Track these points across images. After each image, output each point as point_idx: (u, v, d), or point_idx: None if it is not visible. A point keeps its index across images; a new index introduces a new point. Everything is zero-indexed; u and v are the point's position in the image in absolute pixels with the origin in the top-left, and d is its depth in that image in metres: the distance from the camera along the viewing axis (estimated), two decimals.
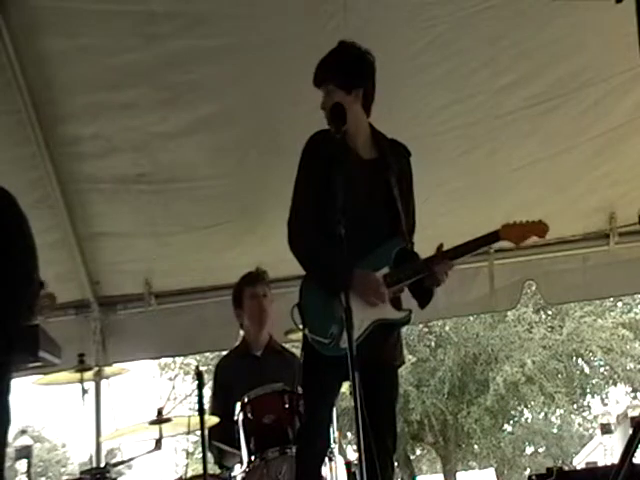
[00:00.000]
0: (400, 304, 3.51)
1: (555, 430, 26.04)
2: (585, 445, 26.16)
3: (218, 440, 4.41)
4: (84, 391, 4.58)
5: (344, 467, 4.10)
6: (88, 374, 4.53)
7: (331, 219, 3.16)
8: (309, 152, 3.55)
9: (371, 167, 3.53)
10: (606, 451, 22.26)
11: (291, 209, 3.54)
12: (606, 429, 21.89)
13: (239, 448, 4.11)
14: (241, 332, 5.04)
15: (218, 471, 4.60)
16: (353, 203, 3.32)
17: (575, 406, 23.80)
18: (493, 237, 3.51)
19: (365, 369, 2.98)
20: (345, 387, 3.55)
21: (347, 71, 3.53)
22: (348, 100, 3.50)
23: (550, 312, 22.06)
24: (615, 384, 22.49)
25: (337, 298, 3.22)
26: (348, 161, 3.41)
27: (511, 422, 24.14)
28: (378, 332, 3.37)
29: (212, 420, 4.14)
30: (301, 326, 3.46)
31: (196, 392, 3.99)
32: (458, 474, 23.13)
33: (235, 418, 4.14)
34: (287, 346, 5.07)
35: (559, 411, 23.63)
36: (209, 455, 4.31)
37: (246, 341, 4.95)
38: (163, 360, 22.60)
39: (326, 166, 3.34)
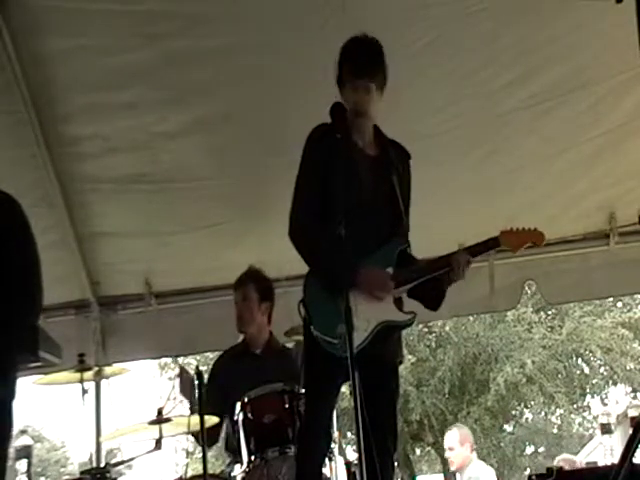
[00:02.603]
0: (402, 306, 3.51)
1: (555, 430, 26.04)
2: (585, 445, 26.14)
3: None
4: (84, 391, 4.58)
5: (344, 467, 4.10)
6: (88, 374, 4.53)
7: (334, 216, 3.16)
8: (313, 143, 3.51)
9: (375, 163, 3.52)
10: (606, 451, 22.26)
11: (293, 201, 3.50)
12: (606, 429, 21.86)
13: (233, 449, 4.12)
14: None
15: (218, 471, 4.60)
16: (357, 200, 3.33)
17: (575, 406, 23.79)
18: (493, 243, 3.53)
19: (367, 367, 2.98)
20: (345, 387, 3.55)
21: (385, 69, 3.55)
22: (378, 98, 3.51)
23: (550, 312, 22.05)
24: (615, 384, 22.48)
25: (342, 296, 3.23)
26: (352, 156, 3.42)
27: (511, 422, 24.15)
28: (382, 333, 3.37)
29: (212, 420, 4.14)
30: (306, 323, 3.44)
31: (196, 392, 3.99)
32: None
33: (235, 418, 4.14)
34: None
35: (559, 411, 23.62)
36: (209, 454, 4.30)
37: (246, 340, 4.95)
38: (163, 360, 22.63)
39: (330, 159, 3.33)
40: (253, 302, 4.84)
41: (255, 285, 4.86)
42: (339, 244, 3.07)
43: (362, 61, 3.49)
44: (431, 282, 3.48)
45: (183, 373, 4.55)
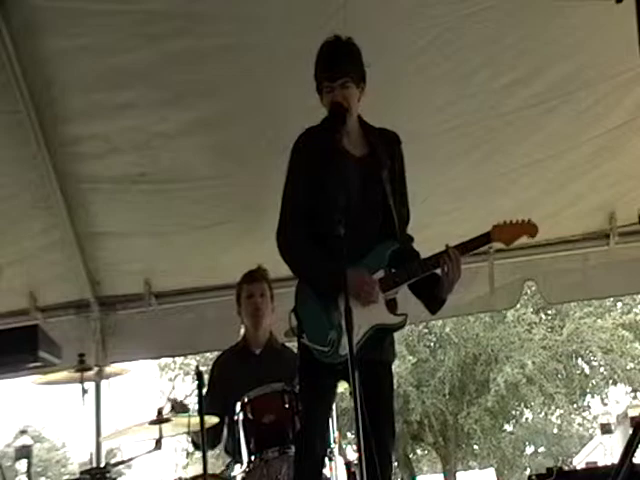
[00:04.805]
0: (396, 307, 3.50)
1: (555, 430, 26.08)
2: (585, 445, 26.18)
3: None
4: (84, 391, 4.58)
5: (344, 467, 4.10)
6: (88, 374, 4.53)
7: (326, 220, 3.17)
8: (298, 152, 3.52)
9: (363, 165, 3.51)
10: (606, 451, 22.29)
11: (280, 216, 3.51)
12: (606, 429, 21.92)
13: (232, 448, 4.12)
14: (242, 330, 5.03)
15: (218, 471, 4.60)
16: (347, 204, 3.32)
17: (575, 406, 23.83)
18: (485, 239, 3.52)
19: (361, 369, 2.98)
20: (345, 387, 3.55)
21: (360, 65, 3.53)
22: (357, 94, 3.51)
23: (550, 313, 22.09)
24: (615, 384, 22.51)
25: (334, 303, 3.24)
26: (340, 160, 3.42)
27: (511, 422, 24.17)
28: (374, 336, 3.38)
29: (212, 420, 4.14)
30: (297, 332, 3.45)
31: (196, 392, 3.99)
32: (458, 474, 23.16)
33: (235, 418, 4.14)
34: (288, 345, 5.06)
35: (559, 411, 23.66)
36: (209, 453, 4.30)
37: (246, 339, 4.95)
38: (163, 360, 22.66)
39: (317, 166, 3.35)
40: (267, 299, 4.87)
41: (267, 284, 4.90)
42: (333, 250, 3.08)
43: (332, 61, 3.49)
44: (429, 285, 3.48)
45: (174, 404, 4.54)
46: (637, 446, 2.61)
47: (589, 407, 24.63)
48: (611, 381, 22.39)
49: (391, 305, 3.46)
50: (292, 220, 3.47)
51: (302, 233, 3.43)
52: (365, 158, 3.53)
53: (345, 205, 3.20)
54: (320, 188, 3.37)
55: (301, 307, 3.44)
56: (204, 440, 3.89)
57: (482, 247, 3.60)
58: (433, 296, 3.50)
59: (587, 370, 22.69)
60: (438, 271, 3.44)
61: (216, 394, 4.63)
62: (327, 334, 3.31)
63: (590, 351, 21.21)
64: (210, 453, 4.47)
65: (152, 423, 4.09)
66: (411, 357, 19.71)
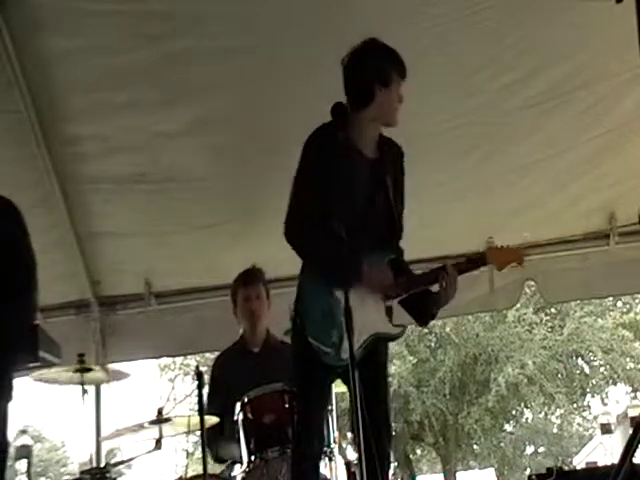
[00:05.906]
0: (392, 316, 3.51)
1: (555, 430, 26.09)
2: (585, 445, 26.22)
3: (214, 437, 4.39)
4: (84, 391, 4.58)
5: (344, 467, 4.10)
6: (88, 376, 4.52)
7: (332, 218, 3.18)
8: (312, 146, 3.50)
9: (373, 167, 3.51)
10: (606, 451, 22.32)
11: (290, 203, 3.48)
12: (606, 429, 21.96)
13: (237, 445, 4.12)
14: (240, 330, 5.04)
15: (218, 471, 4.60)
16: (353, 205, 3.32)
17: (575, 406, 23.83)
18: (479, 262, 3.56)
19: (359, 370, 2.98)
20: (345, 387, 3.55)
21: None
22: None
23: (550, 313, 22.10)
24: (615, 384, 22.52)
25: (337, 302, 3.23)
26: (352, 159, 3.41)
27: (511, 422, 24.18)
28: (373, 343, 3.39)
29: (212, 420, 4.14)
30: (300, 327, 3.45)
31: (196, 392, 3.99)
32: (458, 474, 23.16)
33: (235, 418, 4.14)
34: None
35: (559, 411, 23.67)
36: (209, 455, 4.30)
37: (244, 338, 4.95)
38: (163, 361, 22.67)
39: (331, 162, 3.34)
40: (264, 300, 4.89)
41: (263, 285, 4.91)
42: (339, 243, 3.07)
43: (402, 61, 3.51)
44: (419, 299, 3.49)
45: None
46: (637, 446, 2.61)
47: (589, 407, 24.63)
48: (611, 381, 22.40)
49: (389, 313, 3.47)
50: (303, 210, 3.43)
51: (312, 223, 3.40)
52: (375, 161, 3.53)
53: (351, 205, 3.20)
54: (330, 186, 3.34)
55: (304, 303, 3.44)
56: (204, 440, 3.90)
57: (476, 269, 3.64)
58: (425, 310, 3.53)
59: (587, 370, 22.70)
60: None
61: (217, 394, 4.64)
62: (330, 334, 3.30)
63: (590, 351, 21.21)
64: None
65: (152, 423, 4.09)
66: (411, 357, 19.69)
